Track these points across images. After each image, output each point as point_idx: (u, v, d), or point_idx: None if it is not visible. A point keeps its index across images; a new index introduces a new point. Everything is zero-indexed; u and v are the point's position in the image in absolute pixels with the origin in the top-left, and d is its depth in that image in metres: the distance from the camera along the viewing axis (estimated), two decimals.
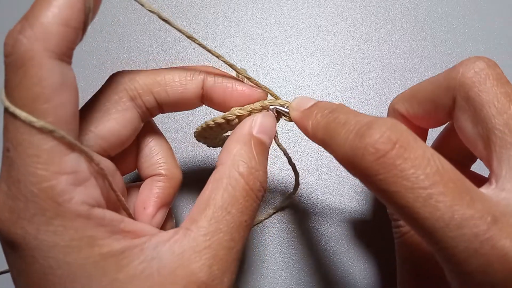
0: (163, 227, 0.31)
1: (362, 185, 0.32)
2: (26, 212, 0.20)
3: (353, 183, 0.39)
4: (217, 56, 0.28)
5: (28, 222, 0.20)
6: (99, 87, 0.27)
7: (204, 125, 0.30)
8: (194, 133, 0.33)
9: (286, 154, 0.34)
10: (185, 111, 0.32)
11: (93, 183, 0.23)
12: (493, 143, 0.23)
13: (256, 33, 0.44)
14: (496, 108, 0.23)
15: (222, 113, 0.29)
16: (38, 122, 0.20)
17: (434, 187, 0.20)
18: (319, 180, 0.39)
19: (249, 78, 0.29)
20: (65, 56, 0.21)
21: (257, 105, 0.28)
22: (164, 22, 0.25)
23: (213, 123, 0.29)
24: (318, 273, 0.37)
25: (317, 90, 0.42)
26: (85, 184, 0.22)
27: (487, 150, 0.23)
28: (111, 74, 0.28)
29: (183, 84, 0.28)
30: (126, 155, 0.29)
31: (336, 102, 0.41)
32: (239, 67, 0.29)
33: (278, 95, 0.30)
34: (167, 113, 0.31)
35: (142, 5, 0.25)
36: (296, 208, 0.39)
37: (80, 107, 0.25)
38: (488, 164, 0.24)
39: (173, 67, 0.29)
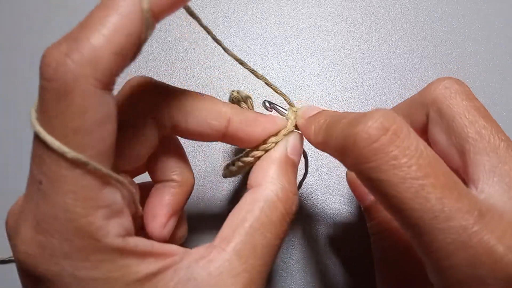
0: (174, 232, 0.30)
1: None
2: (61, 249, 0.20)
3: None
4: (241, 63, 0.28)
5: (64, 259, 0.20)
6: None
7: (241, 164, 0.29)
8: (225, 172, 0.31)
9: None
10: None
11: (126, 213, 0.22)
12: (468, 151, 0.24)
13: (256, 33, 0.44)
14: (467, 119, 0.24)
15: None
16: (71, 153, 0.18)
17: (426, 179, 0.20)
18: (319, 180, 0.39)
19: (269, 85, 0.29)
20: (111, 85, 0.20)
21: (291, 127, 0.28)
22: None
23: (252, 158, 0.28)
24: (318, 273, 0.37)
25: (317, 90, 0.42)
26: (118, 215, 0.21)
27: (462, 159, 0.24)
28: (131, 79, 0.26)
29: (206, 120, 0.26)
30: None
31: (336, 102, 0.42)
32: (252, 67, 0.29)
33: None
34: None
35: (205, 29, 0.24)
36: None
37: None
38: (464, 172, 0.24)
39: (200, 96, 0.27)
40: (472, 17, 0.45)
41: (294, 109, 0.30)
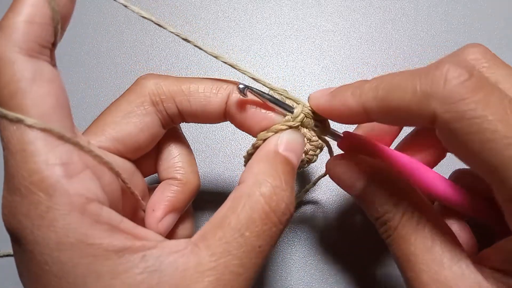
0: (174, 232, 0.30)
1: None
2: (22, 207, 0.20)
3: None
4: (236, 68, 0.28)
5: (25, 217, 0.20)
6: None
7: (251, 149, 0.28)
8: (245, 157, 0.30)
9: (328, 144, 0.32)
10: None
11: (88, 175, 0.22)
12: None
13: (256, 33, 0.44)
14: None
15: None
16: (10, 114, 0.20)
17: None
18: (320, 180, 0.39)
19: (257, 80, 0.28)
20: (36, 52, 0.21)
21: (290, 123, 0.27)
22: (162, 22, 0.25)
23: (262, 141, 0.27)
24: (318, 273, 0.37)
25: None
26: (79, 175, 0.21)
27: None
28: (139, 76, 0.28)
29: (207, 96, 0.27)
30: (146, 157, 0.29)
31: None
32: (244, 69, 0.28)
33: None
34: (192, 123, 0.30)
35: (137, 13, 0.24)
36: (297, 208, 0.39)
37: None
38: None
39: (201, 78, 0.28)
40: (472, 17, 0.45)
41: (301, 106, 0.27)
